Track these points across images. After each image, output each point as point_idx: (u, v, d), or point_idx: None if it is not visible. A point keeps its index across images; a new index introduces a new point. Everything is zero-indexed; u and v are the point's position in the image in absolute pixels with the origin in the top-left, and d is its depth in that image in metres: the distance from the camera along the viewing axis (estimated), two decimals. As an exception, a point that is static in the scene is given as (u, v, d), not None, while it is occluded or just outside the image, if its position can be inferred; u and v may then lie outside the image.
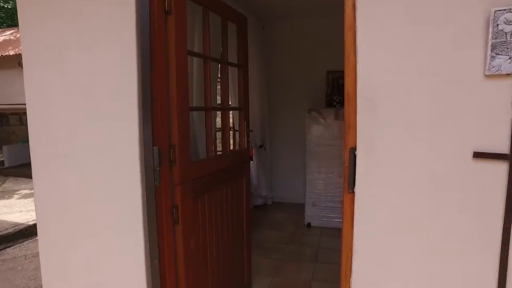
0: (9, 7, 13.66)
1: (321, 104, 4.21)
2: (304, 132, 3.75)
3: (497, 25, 0.99)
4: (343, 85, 4.72)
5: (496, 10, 0.99)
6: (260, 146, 4.26)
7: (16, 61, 7.24)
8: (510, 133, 1.03)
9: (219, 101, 2.81)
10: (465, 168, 1.08)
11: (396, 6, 1.12)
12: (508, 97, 1.02)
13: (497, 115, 1.04)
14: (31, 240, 3.47)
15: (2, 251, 3.30)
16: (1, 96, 7.59)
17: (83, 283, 1.72)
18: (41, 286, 1.82)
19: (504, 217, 1.05)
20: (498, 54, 1.00)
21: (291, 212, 4.26)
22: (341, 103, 4.09)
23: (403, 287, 1.21)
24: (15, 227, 3.86)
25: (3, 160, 7.26)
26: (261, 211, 4.31)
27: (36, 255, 2.91)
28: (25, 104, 1.66)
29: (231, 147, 3.16)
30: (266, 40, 4.35)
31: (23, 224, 3.96)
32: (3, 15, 14.05)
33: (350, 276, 1.30)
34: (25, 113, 1.70)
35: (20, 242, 3.50)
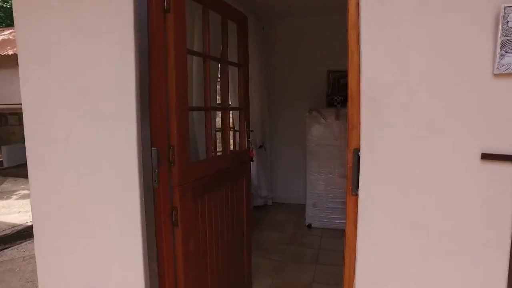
0: (8, 6, 13.61)
1: (322, 104, 4.18)
2: (305, 132, 3.72)
3: (507, 22, 0.95)
4: (344, 84, 4.73)
5: (506, 7, 0.95)
6: (260, 146, 4.24)
7: (15, 61, 7.17)
8: (519, 134, 1.00)
9: (219, 101, 2.79)
10: (474, 169, 1.05)
11: (401, 4, 1.09)
12: (517, 97, 0.99)
13: (506, 115, 1.01)
14: (29, 242, 3.44)
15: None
16: (0, 96, 7.56)
17: (80, 285, 1.68)
18: (38, 288, 1.79)
19: (513, 219, 1.02)
20: (508, 52, 0.97)
21: (291, 212, 4.23)
22: (342, 103, 4.06)
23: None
24: (13, 228, 3.83)
25: (2, 160, 7.23)
26: (261, 211, 4.28)
27: (34, 256, 2.88)
28: (24, 104, 1.63)
29: (231, 148, 3.14)
30: (266, 40, 4.33)
31: (21, 225, 3.93)
32: (2, 14, 14.00)
33: (353, 280, 1.27)
34: (24, 113, 1.68)
35: (18, 244, 3.47)
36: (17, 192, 5.62)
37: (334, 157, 3.60)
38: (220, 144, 2.46)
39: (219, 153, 3.01)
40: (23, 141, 1.67)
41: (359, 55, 1.17)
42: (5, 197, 5.37)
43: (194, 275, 1.73)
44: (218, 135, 3.27)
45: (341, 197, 3.62)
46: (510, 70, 0.97)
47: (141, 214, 1.50)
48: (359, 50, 1.17)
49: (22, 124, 1.66)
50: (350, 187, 1.26)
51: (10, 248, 3.36)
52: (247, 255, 2.38)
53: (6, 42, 8.56)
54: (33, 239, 1.75)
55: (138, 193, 1.49)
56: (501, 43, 0.97)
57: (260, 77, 4.08)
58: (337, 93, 4.20)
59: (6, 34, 9.51)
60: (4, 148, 7.29)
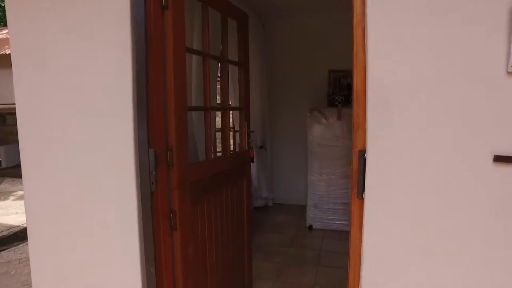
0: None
1: (323, 103, 4.14)
2: (306, 132, 3.68)
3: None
4: (345, 84, 4.69)
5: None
6: (261, 147, 4.20)
7: (13, 60, 7.13)
8: (534, 136, 0.95)
9: (218, 101, 2.75)
10: (486, 173, 1.00)
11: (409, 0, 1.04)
12: (533, 96, 0.94)
13: (520, 116, 0.96)
14: (27, 243, 3.37)
15: (-4, 254, 3.22)
16: (-2, 96, 7.51)
17: (77, 290, 1.64)
18: (34, 292, 1.75)
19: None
20: (523, 50, 0.92)
21: (292, 214, 4.19)
22: (343, 102, 4.02)
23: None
24: (10, 230, 3.78)
25: (0, 161, 7.18)
26: (261, 212, 4.24)
27: (31, 259, 2.82)
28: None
29: (231, 148, 3.10)
30: (267, 39, 4.28)
31: (18, 226, 3.88)
32: (0, 13, 13.94)
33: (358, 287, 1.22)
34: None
35: (15, 245, 3.42)
36: (15, 193, 5.56)
37: (335, 158, 3.56)
38: (220, 145, 2.42)
39: (219, 154, 2.97)
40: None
41: (365, 54, 1.12)
42: (2, 198, 5.32)
43: (193, 279, 1.69)
44: (218, 135, 3.23)
45: (343, 198, 3.58)
46: (525, 68, 0.93)
47: (138, 218, 1.45)
48: (365, 49, 1.12)
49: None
50: (355, 190, 1.21)
51: (6, 250, 3.31)
52: (248, 258, 2.34)
53: (4, 42, 8.49)
54: (30, 240, 1.71)
55: (135, 196, 1.44)
56: (516, 40, 0.92)
57: (260, 76, 4.04)
58: (338, 92, 4.17)
59: (4, 33, 9.44)
60: (2, 148, 7.23)
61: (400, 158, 1.09)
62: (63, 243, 1.63)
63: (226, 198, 2.02)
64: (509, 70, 0.95)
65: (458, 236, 1.07)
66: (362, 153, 1.16)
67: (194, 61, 2.43)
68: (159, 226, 1.48)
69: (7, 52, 7.34)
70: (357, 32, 1.17)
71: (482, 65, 0.99)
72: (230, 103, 2.35)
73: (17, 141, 1.62)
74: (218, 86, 2.69)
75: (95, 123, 1.48)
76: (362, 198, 1.17)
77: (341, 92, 4.16)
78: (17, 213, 4.47)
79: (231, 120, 2.99)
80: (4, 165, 7.14)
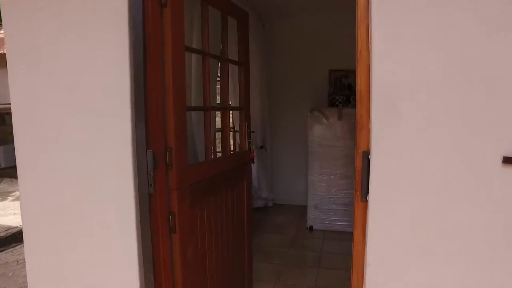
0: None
1: (324, 103, 4.12)
2: (306, 132, 3.66)
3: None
4: (346, 84, 4.67)
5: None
6: (261, 147, 4.17)
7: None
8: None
9: (218, 101, 2.72)
10: (494, 175, 0.97)
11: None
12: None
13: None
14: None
15: (-7, 255, 3.19)
16: (-3, 96, 7.46)
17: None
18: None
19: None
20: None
21: (292, 214, 4.16)
22: (344, 102, 4.00)
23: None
24: (8, 231, 3.74)
25: (-2, 161, 7.13)
26: (261, 213, 4.21)
27: (28, 261, 2.79)
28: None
29: (231, 148, 3.07)
30: (267, 38, 4.25)
31: (16, 227, 3.84)
32: (-1, 13, 13.90)
33: (362, 292, 1.19)
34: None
35: (13, 247, 3.38)
36: (13, 193, 5.52)
37: (336, 158, 3.53)
38: (220, 145, 2.39)
39: (218, 154, 2.94)
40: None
41: (370, 52, 1.09)
42: (0, 198, 5.28)
43: (192, 281, 1.66)
44: (218, 135, 3.20)
45: (343, 198, 3.56)
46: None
47: (136, 220, 1.42)
48: (370, 47, 1.09)
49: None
50: (358, 192, 1.18)
51: (4, 252, 3.27)
52: (248, 260, 2.31)
53: (2, 41, 8.47)
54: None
55: (133, 198, 1.41)
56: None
57: (260, 76, 4.01)
58: (338, 92, 4.14)
59: (1, 33, 9.41)
60: (0, 148, 7.18)
61: (405, 159, 1.06)
62: (59, 244, 1.60)
63: (226, 199, 1.99)
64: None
65: (468, 243, 1.04)
66: (366, 154, 1.13)
67: (193, 60, 2.40)
68: (157, 228, 1.45)
69: (5, 52, 7.29)
70: (360, 30, 1.14)
71: (495, 64, 0.96)
72: (230, 103, 2.32)
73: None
74: (218, 86, 2.66)
75: (92, 123, 1.45)
76: (366, 201, 1.14)
77: (342, 92, 4.14)
78: (15, 213, 4.43)
79: (231, 120, 2.96)
80: (2, 165, 7.09)
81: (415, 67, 1.03)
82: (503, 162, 0.96)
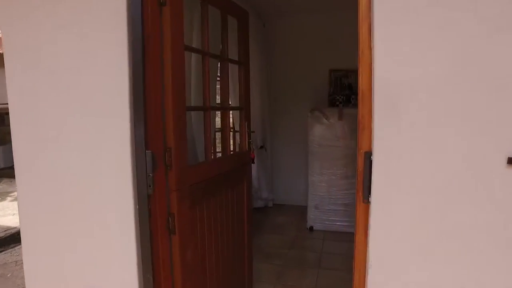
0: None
1: (324, 103, 4.10)
2: (306, 132, 3.64)
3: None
4: (346, 84, 4.66)
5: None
6: (261, 147, 4.15)
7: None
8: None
9: (218, 101, 2.71)
10: (499, 176, 0.96)
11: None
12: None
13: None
14: (23, 245, 3.34)
15: (-8, 256, 3.17)
16: (-4, 95, 7.42)
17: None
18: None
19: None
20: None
21: (292, 215, 4.15)
22: (344, 102, 3.98)
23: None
24: (6, 231, 3.72)
25: (-2, 161, 7.11)
26: (261, 214, 4.20)
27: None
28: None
29: (231, 148, 3.05)
30: (267, 37, 4.24)
31: (15, 228, 3.82)
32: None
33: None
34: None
35: (12, 247, 3.37)
36: (12, 194, 5.51)
37: (336, 158, 3.52)
38: (220, 145, 2.38)
39: (218, 154, 2.93)
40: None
41: (372, 51, 1.07)
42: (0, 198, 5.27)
43: (192, 282, 1.65)
44: (218, 135, 3.19)
45: (344, 199, 3.54)
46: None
47: (135, 222, 1.41)
48: (372, 46, 1.07)
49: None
50: (360, 194, 1.16)
51: (3, 252, 3.26)
52: (248, 261, 2.30)
53: (0, 40, 8.43)
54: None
55: (132, 199, 1.39)
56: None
57: (260, 75, 3.99)
58: (339, 92, 4.13)
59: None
60: (0, 148, 7.16)
61: (408, 159, 1.05)
62: (57, 245, 1.58)
63: (226, 200, 1.98)
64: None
65: (473, 247, 1.02)
66: (368, 155, 1.12)
67: (193, 60, 2.38)
68: (157, 230, 1.44)
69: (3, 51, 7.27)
70: (362, 29, 1.12)
71: (500, 63, 0.94)
72: (230, 102, 2.31)
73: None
74: (218, 86, 2.65)
75: (90, 123, 1.43)
76: (368, 202, 1.13)
77: (342, 91, 4.12)
78: (14, 214, 4.41)
79: (231, 120, 2.94)
80: (2, 165, 7.07)
81: (417, 67, 1.02)
82: (507, 163, 0.94)
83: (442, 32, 0.98)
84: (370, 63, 1.10)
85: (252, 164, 2.30)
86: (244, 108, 2.19)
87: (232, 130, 3.67)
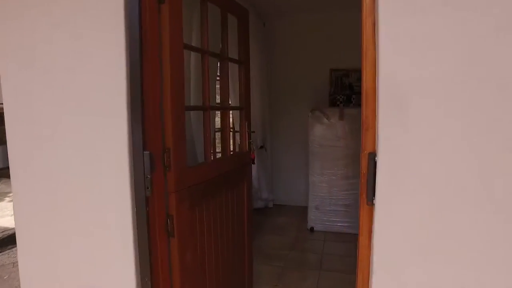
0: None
1: (324, 103, 4.08)
2: (307, 132, 3.62)
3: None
4: (347, 83, 4.65)
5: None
6: (261, 147, 4.13)
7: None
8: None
9: (218, 100, 2.68)
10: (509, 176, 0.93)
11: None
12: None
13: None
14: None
15: (-11, 258, 3.14)
16: (-5, 95, 7.38)
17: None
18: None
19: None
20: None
21: (293, 215, 4.12)
22: (345, 102, 3.96)
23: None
24: (4, 232, 3.69)
25: (-4, 161, 7.07)
26: (261, 214, 4.17)
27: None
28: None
29: (231, 149, 3.03)
30: (267, 37, 4.21)
31: (12, 229, 3.78)
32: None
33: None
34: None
35: (9, 248, 3.33)
36: (10, 194, 5.45)
37: (337, 158, 3.49)
38: (220, 145, 2.35)
39: (218, 155, 2.90)
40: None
41: (376, 49, 1.04)
42: (-2, 199, 5.23)
43: (191, 284, 1.62)
44: (218, 135, 3.16)
45: (344, 199, 3.52)
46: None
47: (133, 224, 1.37)
48: (376, 43, 1.04)
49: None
50: (364, 196, 1.13)
51: (0, 254, 3.22)
52: (248, 262, 2.27)
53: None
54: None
55: (130, 201, 1.36)
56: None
57: (260, 75, 3.96)
58: (340, 92, 4.11)
59: None
60: (-1, 148, 7.13)
61: (415, 160, 1.01)
62: (52, 246, 1.55)
63: (226, 201, 1.95)
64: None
65: (481, 254, 0.99)
66: (372, 156, 1.08)
67: (192, 59, 2.35)
68: (155, 232, 1.40)
69: None
70: (366, 26, 1.09)
71: (508, 63, 0.91)
72: (230, 102, 2.28)
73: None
74: (218, 85, 2.62)
75: (86, 123, 1.40)
76: (372, 204, 1.10)
77: (343, 91, 4.10)
78: (12, 215, 4.38)
79: (231, 120, 2.91)
80: (1, 165, 7.03)
81: (423, 65, 0.99)
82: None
83: (448, 31, 0.95)
84: (374, 61, 1.07)
85: (252, 165, 2.28)
86: (244, 108, 2.16)
87: (232, 130, 3.64)
